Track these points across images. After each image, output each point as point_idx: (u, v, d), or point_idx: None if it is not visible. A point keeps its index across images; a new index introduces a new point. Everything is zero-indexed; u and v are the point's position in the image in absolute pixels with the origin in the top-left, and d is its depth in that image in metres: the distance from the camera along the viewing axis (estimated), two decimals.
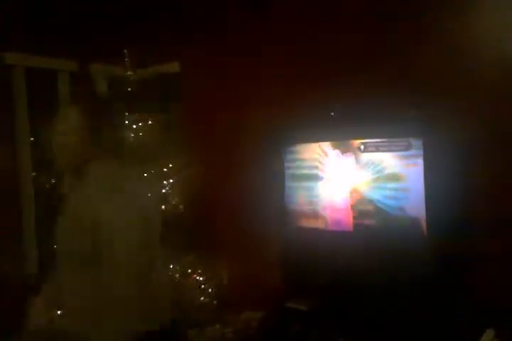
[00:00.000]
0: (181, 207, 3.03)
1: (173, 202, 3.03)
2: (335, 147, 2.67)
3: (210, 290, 3.05)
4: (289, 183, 2.87)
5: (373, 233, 2.53)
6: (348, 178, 2.62)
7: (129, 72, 3.34)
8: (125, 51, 3.33)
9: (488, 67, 2.36)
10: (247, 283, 3.16)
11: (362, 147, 2.54)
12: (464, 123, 2.39)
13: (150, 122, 3.08)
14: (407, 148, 2.38)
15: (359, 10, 2.80)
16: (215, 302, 3.08)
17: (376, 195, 2.50)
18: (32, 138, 3.58)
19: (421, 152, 2.33)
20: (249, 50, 3.32)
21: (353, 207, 2.60)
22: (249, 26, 3.31)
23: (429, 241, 2.32)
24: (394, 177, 2.44)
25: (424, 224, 2.33)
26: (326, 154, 2.71)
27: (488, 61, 2.35)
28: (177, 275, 2.82)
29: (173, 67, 3.78)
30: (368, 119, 2.53)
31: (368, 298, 2.43)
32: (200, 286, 3.00)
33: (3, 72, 3.37)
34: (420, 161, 2.33)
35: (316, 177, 2.75)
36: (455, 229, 2.36)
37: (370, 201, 2.52)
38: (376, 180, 2.50)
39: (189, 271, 2.95)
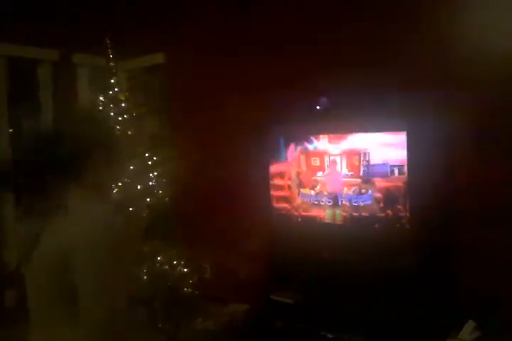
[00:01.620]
0: (166, 199, 3.02)
1: (159, 195, 3.01)
2: (319, 139, 2.68)
3: (190, 281, 3.07)
4: (275, 177, 2.88)
5: (358, 225, 2.55)
6: (333, 171, 2.63)
7: (111, 63, 3.28)
8: (107, 41, 3.26)
9: (473, 61, 2.38)
10: (233, 275, 3.17)
11: (348, 139, 2.56)
12: (448, 117, 2.42)
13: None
14: (392, 141, 2.40)
15: (347, 4, 2.80)
16: (196, 292, 3.10)
17: (361, 188, 2.53)
18: (11, 130, 3.52)
19: (405, 145, 2.35)
20: (237, 41, 3.29)
21: (338, 199, 2.62)
22: (237, 18, 3.28)
23: (412, 233, 2.35)
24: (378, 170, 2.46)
25: (407, 215, 2.36)
26: (311, 145, 2.71)
27: (473, 56, 2.38)
28: (166, 267, 2.83)
29: (158, 58, 3.74)
30: (353, 113, 2.55)
31: (352, 290, 2.45)
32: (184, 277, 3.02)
33: None
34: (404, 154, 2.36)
35: (301, 170, 2.76)
36: (437, 220, 2.40)
37: (355, 194, 2.54)
38: (360, 172, 2.52)
39: (174, 262, 2.95)
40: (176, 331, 2.85)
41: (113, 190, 2.71)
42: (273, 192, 2.87)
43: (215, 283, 3.22)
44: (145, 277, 2.75)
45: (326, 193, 2.68)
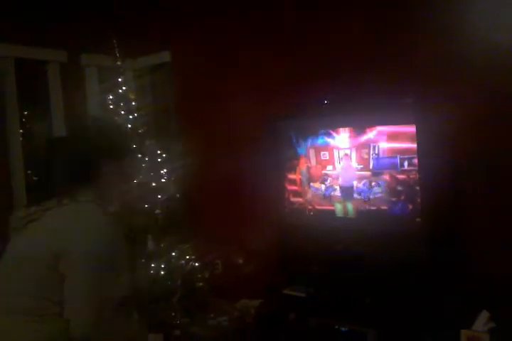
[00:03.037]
0: (178, 195, 3.06)
1: (170, 191, 3.05)
2: (331, 133, 2.69)
3: (199, 275, 3.10)
4: (286, 172, 2.89)
5: (370, 218, 2.56)
6: (345, 165, 2.64)
7: (118, 63, 3.30)
8: (114, 41, 3.28)
9: (480, 55, 2.38)
10: (244, 270, 3.18)
11: (358, 133, 2.56)
12: (457, 111, 2.42)
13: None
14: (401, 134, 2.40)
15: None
16: (208, 288, 3.13)
17: (371, 181, 2.53)
18: (21, 130, 3.56)
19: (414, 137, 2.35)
20: (245, 38, 3.30)
21: (350, 193, 2.63)
22: (244, 15, 3.29)
23: (424, 224, 2.35)
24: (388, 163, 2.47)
25: (418, 208, 2.37)
26: (324, 140, 2.72)
27: (481, 50, 2.38)
28: (182, 262, 2.87)
29: (164, 56, 3.76)
30: (362, 107, 2.55)
31: (365, 283, 2.46)
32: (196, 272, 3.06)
33: None
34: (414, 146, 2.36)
35: (311, 164, 2.77)
36: (449, 211, 2.40)
37: (366, 187, 2.55)
38: (370, 165, 2.52)
39: (187, 257, 2.99)
40: (191, 326, 2.88)
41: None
42: (285, 186, 2.88)
43: (226, 279, 3.23)
44: (162, 272, 2.80)
45: (337, 187, 2.68)
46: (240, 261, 3.17)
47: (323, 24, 2.91)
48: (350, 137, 2.60)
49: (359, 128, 2.55)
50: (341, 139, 2.63)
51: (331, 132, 2.67)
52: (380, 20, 2.69)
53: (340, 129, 2.63)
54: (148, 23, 3.74)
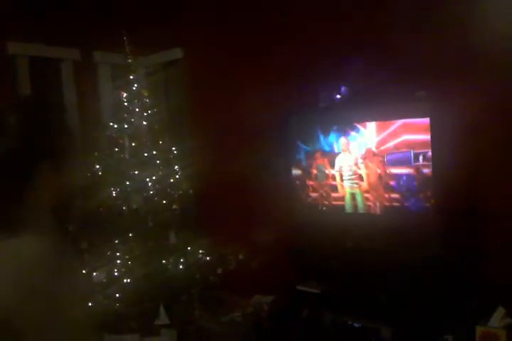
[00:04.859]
0: (191, 191, 3.08)
1: (184, 187, 3.07)
2: (344, 127, 2.67)
3: (216, 272, 3.13)
4: (298, 168, 2.88)
5: (383, 214, 2.54)
6: (359, 158, 2.62)
7: (129, 60, 3.30)
8: (124, 38, 3.28)
9: (495, 47, 2.34)
10: (257, 266, 3.18)
11: (374, 126, 2.54)
12: (471, 103, 2.39)
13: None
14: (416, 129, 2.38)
15: None
16: (222, 284, 3.16)
17: (387, 176, 2.51)
18: None
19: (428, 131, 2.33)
20: (254, 33, 3.29)
21: (363, 188, 2.62)
22: (254, 10, 3.28)
23: (438, 220, 2.33)
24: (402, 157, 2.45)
25: (433, 204, 2.34)
26: (336, 134, 2.71)
27: (496, 41, 2.34)
28: (200, 256, 2.93)
29: (176, 53, 3.76)
30: (375, 101, 2.53)
31: (380, 280, 2.44)
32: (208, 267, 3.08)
33: (7, 61, 3.35)
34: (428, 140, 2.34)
35: (326, 160, 2.76)
36: (464, 208, 2.37)
37: (382, 181, 2.53)
38: (386, 160, 2.51)
39: (201, 251, 3.04)
40: (205, 321, 2.91)
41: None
42: (298, 182, 2.87)
43: (239, 275, 3.23)
44: (181, 266, 2.84)
45: (351, 181, 2.67)
46: (253, 256, 3.17)
47: (334, 17, 2.88)
48: (365, 131, 2.58)
49: (374, 122, 2.53)
50: (358, 134, 2.62)
51: (349, 127, 2.65)
52: (395, 12, 2.66)
53: (356, 124, 2.62)
54: (159, 20, 3.74)
